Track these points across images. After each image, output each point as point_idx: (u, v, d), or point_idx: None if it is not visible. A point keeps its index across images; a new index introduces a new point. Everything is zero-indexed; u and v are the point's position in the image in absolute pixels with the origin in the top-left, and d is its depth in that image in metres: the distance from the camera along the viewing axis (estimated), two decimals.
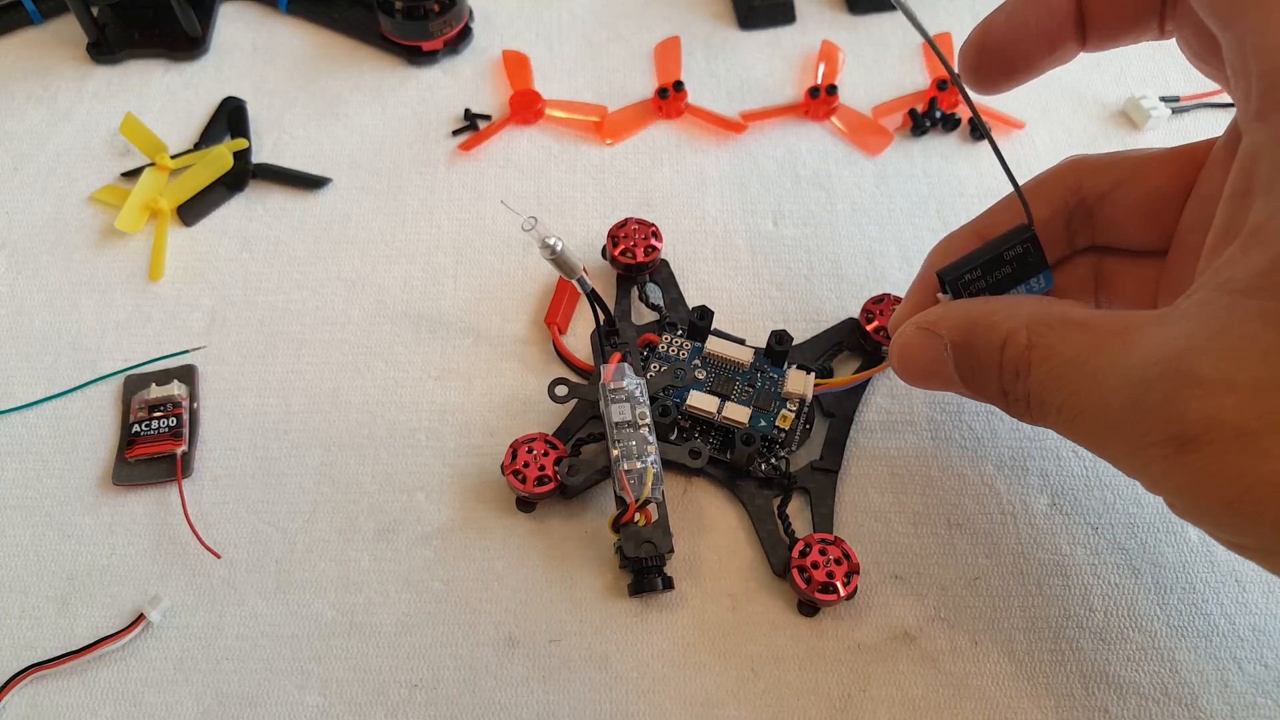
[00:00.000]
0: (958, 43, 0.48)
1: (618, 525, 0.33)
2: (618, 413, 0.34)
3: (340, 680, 0.33)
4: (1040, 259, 0.30)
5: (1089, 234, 0.32)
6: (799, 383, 0.36)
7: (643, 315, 0.40)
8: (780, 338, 0.37)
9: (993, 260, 0.30)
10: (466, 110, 0.46)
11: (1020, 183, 0.30)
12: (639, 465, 0.33)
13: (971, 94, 0.37)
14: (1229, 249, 0.23)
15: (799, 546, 0.33)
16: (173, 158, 0.44)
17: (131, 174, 0.44)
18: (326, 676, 0.33)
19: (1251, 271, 0.22)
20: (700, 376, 0.37)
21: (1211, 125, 0.46)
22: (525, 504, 0.36)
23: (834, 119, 0.46)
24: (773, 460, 0.36)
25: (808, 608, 0.34)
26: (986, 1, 0.50)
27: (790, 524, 0.35)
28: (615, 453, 0.33)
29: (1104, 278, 0.33)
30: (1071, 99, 0.47)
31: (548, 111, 0.46)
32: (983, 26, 0.33)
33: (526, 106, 0.45)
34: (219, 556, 0.35)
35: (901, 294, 0.39)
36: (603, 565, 0.35)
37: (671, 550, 0.33)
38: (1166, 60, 0.48)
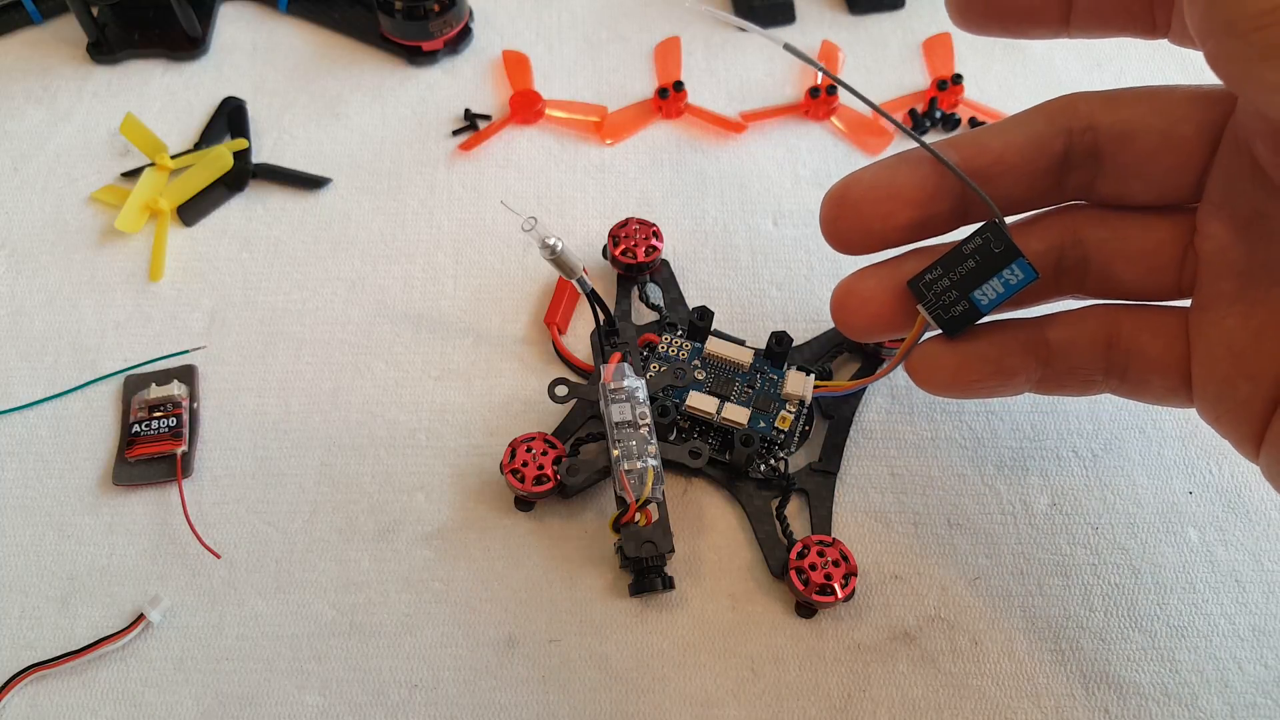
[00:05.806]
0: (957, 43, 0.48)
1: (618, 525, 0.33)
2: (618, 413, 0.34)
3: (340, 680, 0.33)
4: (1009, 248, 0.27)
5: (1086, 178, 0.28)
6: (798, 384, 0.36)
7: (643, 315, 0.40)
8: (780, 339, 0.37)
9: (952, 256, 0.28)
10: (466, 110, 0.46)
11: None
12: (639, 465, 0.33)
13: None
14: None
15: (797, 548, 0.33)
16: (173, 158, 0.44)
17: (131, 174, 0.44)
18: (326, 676, 0.33)
19: None
20: (700, 377, 0.37)
21: None
22: (523, 503, 0.36)
23: (834, 119, 0.46)
24: (771, 461, 0.36)
25: (805, 609, 0.34)
26: None
27: (789, 525, 0.35)
28: (616, 453, 0.33)
29: (1120, 338, 0.29)
30: None
31: (548, 111, 0.46)
32: (845, 180, 0.29)
33: (526, 106, 0.45)
34: (219, 556, 0.35)
35: None
36: (603, 565, 0.35)
37: (672, 550, 0.33)
38: (1166, 60, 0.48)
